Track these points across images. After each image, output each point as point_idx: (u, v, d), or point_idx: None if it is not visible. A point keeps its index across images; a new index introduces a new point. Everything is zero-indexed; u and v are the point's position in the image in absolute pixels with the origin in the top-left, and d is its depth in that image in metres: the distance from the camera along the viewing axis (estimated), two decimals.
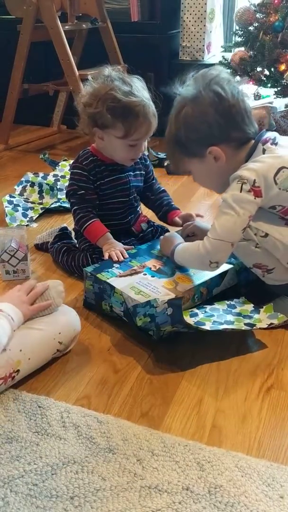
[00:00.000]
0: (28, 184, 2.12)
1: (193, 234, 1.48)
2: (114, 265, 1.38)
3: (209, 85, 1.21)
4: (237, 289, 1.40)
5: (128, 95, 1.37)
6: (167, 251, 1.41)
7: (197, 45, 2.90)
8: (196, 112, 1.21)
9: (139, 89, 1.41)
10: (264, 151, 1.22)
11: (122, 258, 1.40)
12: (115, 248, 1.43)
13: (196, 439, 0.99)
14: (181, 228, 1.55)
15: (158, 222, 1.69)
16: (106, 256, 1.41)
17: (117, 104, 1.37)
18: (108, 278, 1.32)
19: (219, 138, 1.22)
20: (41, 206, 2.03)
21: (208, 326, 1.18)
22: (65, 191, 2.03)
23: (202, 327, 1.18)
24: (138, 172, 1.57)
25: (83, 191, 1.48)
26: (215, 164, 1.25)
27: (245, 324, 1.21)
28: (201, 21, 2.84)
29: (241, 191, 1.17)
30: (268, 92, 2.71)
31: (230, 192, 1.19)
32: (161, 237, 1.50)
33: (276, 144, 1.24)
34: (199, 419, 1.04)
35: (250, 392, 1.11)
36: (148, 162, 1.64)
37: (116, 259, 1.39)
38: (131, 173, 1.54)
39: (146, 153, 2.23)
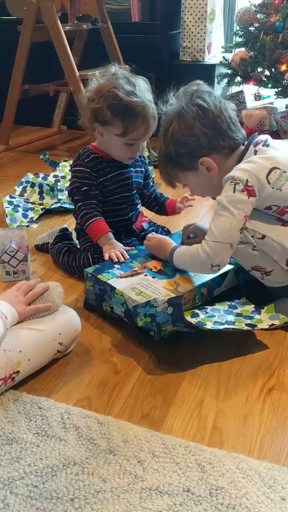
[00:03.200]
0: (29, 185, 2.12)
1: (194, 235, 1.48)
2: (115, 266, 1.38)
3: (191, 99, 1.25)
4: (238, 289, 1.40)
5: (130, 94, 1.38)
6: (163, 254, 1.40)
7: (197, 46, 2.90)
8: (182, 127, 1.24)
9: (142, 90, 1.42)
10: (255, 153, 1.24)
11: (122, 259, 1.40)
12: (115, 249, 1.43)
13: (197, 440, 0.98)
14: (180, 229, 1.54)
15: (159, 222, 1.68)
16: (106, 257, 1.41)
17: (117, 102, 1.38)
18: (108, 279, 1.32)
19: (208, 148, 1.25)
20: (42, 206, 2.03)
21: (209, 326, 1.18)
22: (65, 192, 2.03)
23: (203, 326, 1.17)
24: (138, 169, 1.58)
25: (86, 188, 1.48)
26: (209, 174, 1.27)
27: (246, 324, 1.21)
28: (202, 22, 2.83)
29: (234, 192, 1.18)
30: (269, 92, 2.71)
31: (224, 194, 1.20)
32: (148, 236, 1.47)
33: (267, 145, 1.26)
34: (200, 420, 1.04)
35: (251, 393, 1.11)
36: (146, 161, 1.65)
37: (116, 260, 1.39)
38: (132, 169, 1.55)
39: (146, 153, 2.23)
